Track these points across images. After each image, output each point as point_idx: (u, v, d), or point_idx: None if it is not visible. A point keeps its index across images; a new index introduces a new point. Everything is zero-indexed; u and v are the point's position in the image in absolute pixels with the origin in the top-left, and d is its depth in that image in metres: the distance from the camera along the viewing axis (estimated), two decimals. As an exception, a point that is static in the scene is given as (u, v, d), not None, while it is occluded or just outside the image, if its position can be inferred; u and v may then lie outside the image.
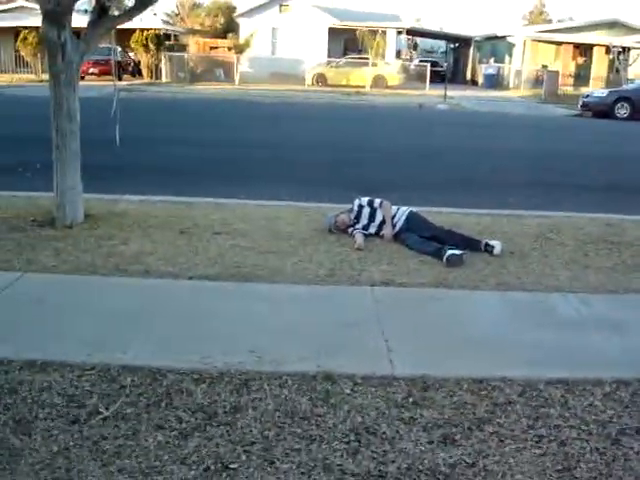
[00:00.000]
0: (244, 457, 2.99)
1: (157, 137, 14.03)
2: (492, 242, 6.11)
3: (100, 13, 6.42)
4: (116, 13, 7.03)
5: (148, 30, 32.11)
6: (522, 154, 13.73)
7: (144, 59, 32.96)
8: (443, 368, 3.83)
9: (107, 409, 3.32)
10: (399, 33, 41.34)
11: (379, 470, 2.94)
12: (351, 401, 3.47)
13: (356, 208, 6.63)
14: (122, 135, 8.01)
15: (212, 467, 2.92)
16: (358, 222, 6.54)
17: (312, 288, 5.04)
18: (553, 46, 39.87)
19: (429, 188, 9.57)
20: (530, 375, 3.79)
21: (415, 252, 6.02)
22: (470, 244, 6.14)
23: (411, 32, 47.39)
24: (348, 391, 3.57)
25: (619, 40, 35.00)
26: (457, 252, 5.74)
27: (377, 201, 6.60)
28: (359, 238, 6.26)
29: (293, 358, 3.87)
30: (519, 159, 13.04)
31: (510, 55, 41.70)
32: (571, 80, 38.45)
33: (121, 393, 3.47)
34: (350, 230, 6.50)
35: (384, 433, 3.21)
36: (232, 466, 2.93)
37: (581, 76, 38.91)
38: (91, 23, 6.41)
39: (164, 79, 33.26)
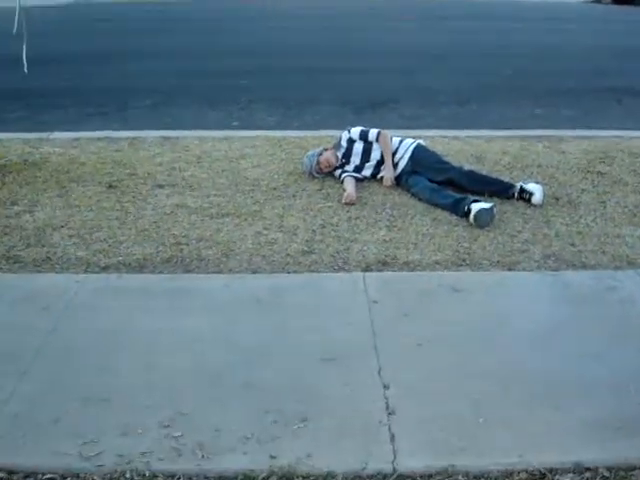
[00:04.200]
0: None
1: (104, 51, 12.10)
2: (529, 186, 4.48)
3: None
4: None
5: None
6: (544, 52, 11.78)
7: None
8: (479, 449, 2.29)
9: None
10: None
11: None
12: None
13: (344, 143, 4.96)
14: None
15: None
16: (348, 162, 4.90)
17: (275, 280, 3.43)
18: None
19: (436, 101, 7.77)
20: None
21: (425, 204, 4.42)
22: (500, 190, 4.53)
23: None
24: (318, 517, 2.06)
25: None
26: (486, 206, 4.11)
27: (373, 133, 4.91)
28: (349, 187, 4.62)
29: (232, 442, 2.32)
30: (541, 58, 11.09)
31: None
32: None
33: None
34: (338, 173, 4.88)
35: None
36: None
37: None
38: None
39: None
